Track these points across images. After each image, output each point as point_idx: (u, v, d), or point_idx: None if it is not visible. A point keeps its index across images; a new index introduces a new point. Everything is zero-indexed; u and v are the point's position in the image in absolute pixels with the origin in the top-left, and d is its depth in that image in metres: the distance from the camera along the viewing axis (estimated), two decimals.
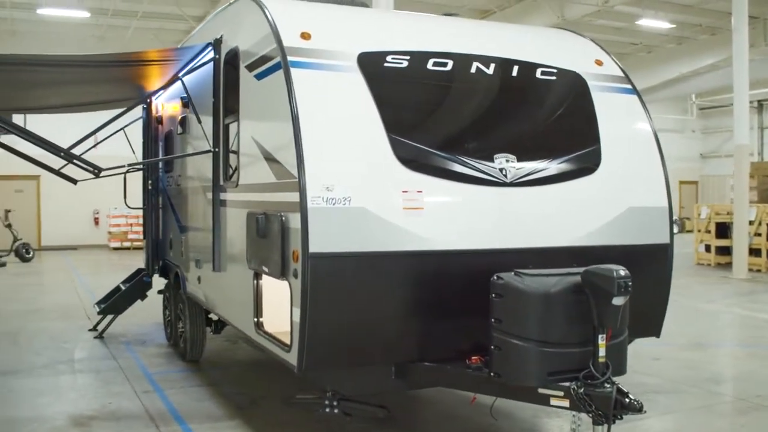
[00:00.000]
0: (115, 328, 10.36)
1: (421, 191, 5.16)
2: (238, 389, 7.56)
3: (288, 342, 5.11)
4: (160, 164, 9.83)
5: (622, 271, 4.50)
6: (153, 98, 9.87)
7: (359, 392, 5.53)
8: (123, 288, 10.57)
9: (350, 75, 5.38)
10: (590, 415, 4.52)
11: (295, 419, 6.50)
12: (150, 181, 10.02)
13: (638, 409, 4.47)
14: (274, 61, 5.36)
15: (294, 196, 4.89)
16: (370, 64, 5.47)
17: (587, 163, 5.88)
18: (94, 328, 10.43)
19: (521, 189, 5.49)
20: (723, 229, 19.93)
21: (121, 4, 22.28)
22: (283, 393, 6.92)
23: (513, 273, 4.83)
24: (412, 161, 5.22)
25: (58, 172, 7.33)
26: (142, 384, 7.75)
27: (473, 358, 5.14)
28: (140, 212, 10.86)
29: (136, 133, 10.34)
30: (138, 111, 10.25)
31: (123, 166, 7.22)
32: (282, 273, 5.10)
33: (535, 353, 4.67)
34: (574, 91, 6.22)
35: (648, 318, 6.01)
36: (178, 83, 7.91)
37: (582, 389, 4.50)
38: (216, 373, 8.24)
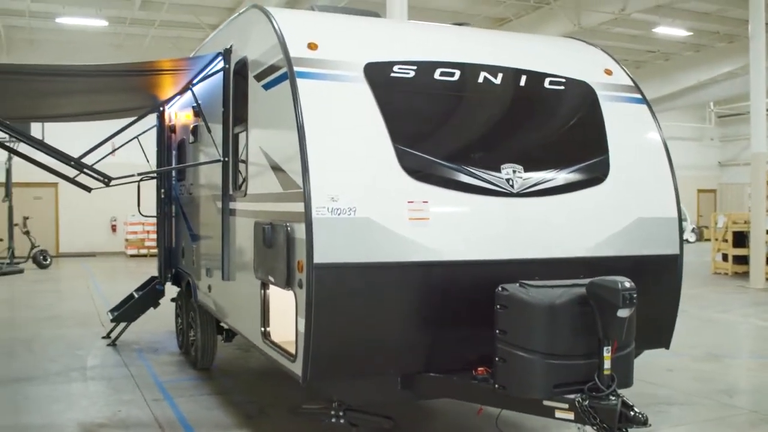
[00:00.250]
0: (128, 336, 10.42)
1: (426, 201, 5.16)
2: (248, 398, 7.58)
3: (293, 352, 5.12)
4: (173, 173, 9.89)
5: (627, 283, 4.48)
6: (166, 107, 9.93)
7: (365, 403, 5.52)
8: (136, 296, 10.64)
9: (356, 85, 5.39)
10: (595, 428, 4.49)
11: (302, 429, 6.50)
12: (163, 190, 10.09)
13: (643, 422, 4.43)
14: (281, 71, 5.38)
15: (299, 207, 4.90)
16: (377, 74, 5.48)
17: (595, 173, 5.85)
18: (108, 336, 10.50)
19: (528, 199, 5.46)
20: (740, 238, 19.76)
21: (139, 13, 22.48)
22: (291, 402, 6.92)
23: (518, 284, 4.81)
24: (417, 171, 5.21)
25: (72, 180, 7.38)
26: (153, 392, 7.79)
27: (479, 369, 5.12)
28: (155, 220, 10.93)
29: (152, 141, 10.43)
30: (152, 119, 10.34)
31: (132, 175, 7.26)
32: (287, 283, 5.11)
33: (540, 365, 4.64)
34: (582, 100, 6.19)
35: (657, 329, 5.97)
36: (190, 92, 7.96)
37: (587, 402, 4.48)
38: (227, 382, 8.26)
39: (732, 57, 25.76)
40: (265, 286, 5.75)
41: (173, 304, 10.14)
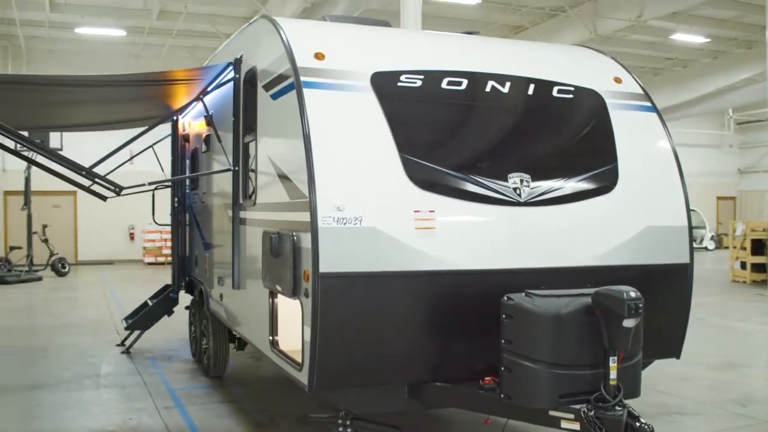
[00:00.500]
0: (142, 344, 10.48)
1: (433, 211, 5.15)
2: (259, 406, 7.60)
3: (300, 361, 5.13)
4: (186, 181, 9.95)
5: (633, 293, 4.45)
6: (180, 116, 10.01)
7: (372, 412, 5.52)
8: (150, 304, 10.70)
9: (363, 95, 5.41)
10: None
11: None
12: (176, 198, 10.16)
13: None
14: (288, 81, 5.41)
15: (305, 216, 4.91)
16: (384, 84, 5.49)
17: (604, 182, 5.82)
18: (122, 344, 10.56)
19: (535, 208, 5.45)
20: (759, 246, 19.59)
21: (157, 23, 22.69)
22: (300, 411, 6.93)
23: (523, 294, 4.80)
24: (424, 181, 5.21)
25: (88, 189, 7.45)
26: (165, 400, 7.82)
27: (487, 378, 5.09)
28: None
29: (168, 150, 10.52)
30: (167, 128, 10.43)
31: (144, 185, 7.32)
32: (294, 292, 5.12)
33: (545, 375, 4.62)
34: (591, 109, 6.16)
35: (667, 339, 5.92)
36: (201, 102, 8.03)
37: (592, 412, 4.46)
38: (238, 390, 8.29)
39: (750, 63, 25.55)
40: (273, 295, 5.77)
41: (188, 312, 10.19)
